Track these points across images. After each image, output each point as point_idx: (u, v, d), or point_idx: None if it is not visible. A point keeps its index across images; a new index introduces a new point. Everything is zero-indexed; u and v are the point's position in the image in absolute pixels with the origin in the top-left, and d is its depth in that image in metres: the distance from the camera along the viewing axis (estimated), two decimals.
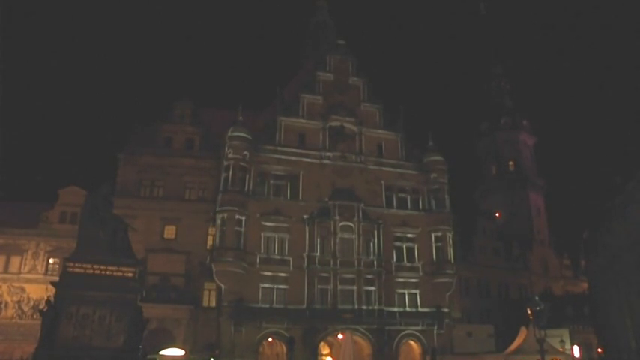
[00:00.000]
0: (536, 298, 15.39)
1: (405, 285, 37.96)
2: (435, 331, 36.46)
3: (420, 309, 37.09)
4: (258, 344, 33.32)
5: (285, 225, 36.58)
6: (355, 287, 35.88)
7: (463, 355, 36.20)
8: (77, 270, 15.73)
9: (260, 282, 34.84)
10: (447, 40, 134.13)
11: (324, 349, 37.17)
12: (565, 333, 35.84)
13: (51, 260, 36.81)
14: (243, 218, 35.07)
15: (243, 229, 34.86)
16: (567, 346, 35.34)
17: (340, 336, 33.63)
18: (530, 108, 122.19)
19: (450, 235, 39.55)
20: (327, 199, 37.66)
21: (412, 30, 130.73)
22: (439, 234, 39.44)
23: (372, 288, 36.21)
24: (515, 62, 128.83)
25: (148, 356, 24.38)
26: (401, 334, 35.96)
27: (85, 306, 15.28)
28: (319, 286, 35.31)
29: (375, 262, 36.71)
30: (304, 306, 34.53)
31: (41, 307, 16.89)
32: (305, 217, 36.77)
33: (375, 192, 39.76)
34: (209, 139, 39.54)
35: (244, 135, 36.92)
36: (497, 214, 57.39)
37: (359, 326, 34.56)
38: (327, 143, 39.94)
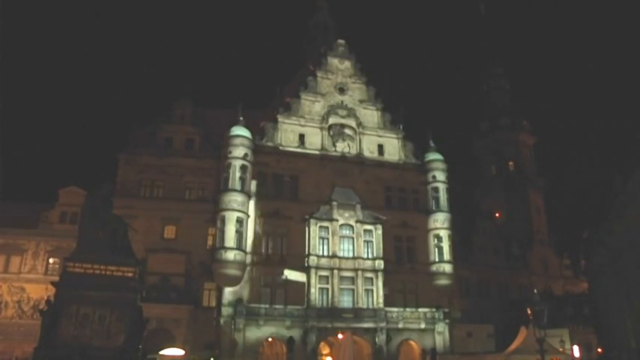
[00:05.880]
0: (537, 297, 15.39)
1: (404, 285, 38.00)
2: (435, 331, 36.47)
3: (419, 309, 37.09)
4: (258, 344, 33.32)
5: (285, 225, 36.61)
6: (355, 287, 35.92)
7: (463, 355, 36.19)
8: (77, 270, 15.76)
9: (260, 282, 34.88)
10: (447, 40, 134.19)
11: (324, 349, 37.16)
12: (565, 333, 35.74)
13: (51, 260, 36.86)
14: (243, 218, 35.10)
15: (243, 229, 34.89)
16: (567, 346, 35.25)
17: (340, 336, 33.62)
18: (530, 108, 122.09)
19: (449, 235, 39.57)
20: (327, 199, 37.68)
21: (412, 30, 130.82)
22: (439, 234, 39.48)
23: (372, 288, 36.23)
24: (515, 62, 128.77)
25: (148, 356, 24.41)
26: (401, 334, 35.98)
27: (85, 306, 15.32)
28: (319, 286, 35.33)
29: (375, 262, 36.71)
30: (304, 306, 34.55)
31: (41, 307, 16.90)
32: (305, 217, 36.80)
33: (375, 192, 39.78)
34: (209, 139, 39.53)
35: (245, 134, 36.95)
36: (497, 214, 57.34)
37: (359, 326, 34.58)
38: (327, 143, 39.99)
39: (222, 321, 32.95)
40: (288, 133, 39.42)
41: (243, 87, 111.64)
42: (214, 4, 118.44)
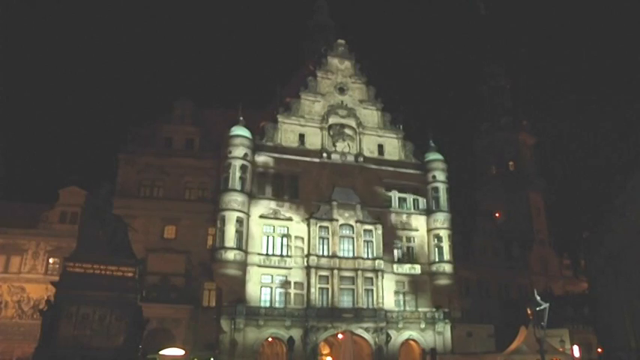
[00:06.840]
0: (537, 297, 15.38)
1: (404, 285, 38.02)
2: (435, 331, 36.49)
3: (419, 309, 37.10)
4: (258, 344, 33.34)
5: (285, 225, 36.63)
6: (355, 287, 35.93)
7: (463, 355, 36.18)
8: (77, 270, 15.74)
9: (260, 282, 34.89)
10: (447, 40, 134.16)
11: (324, 349, 37.19)
12: (565, 333, 35.73)
13: (51, 260, 36.80)
14: (244, 218, 35.10)
15: (243, 229, 34.90)
16: (567, 346, 35.22)
17: (340, 336, 33.64)
18: (530, 108, 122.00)
19: (449, 235, 39.58)
20: (327, 199, 37.69)
21: (412, 30, 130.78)
22: (439, 234, 39.49)
23: (372, 288, 36.24)
24: (515, 62, 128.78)
25: (148, 356, 24.44)
26: (401, 334, 35.99)
27: (85, 306, 15.29)
28: (319, 286, 35.34)
29: (375, 262, 36.72)
30: (304, 306, 34.56)
31: (41, 307, 16.88)
32: (305, 217, 36.81)
33: (375, 192, 39.80)
34: (209, 139, 39.54)
35: (245, 134, 36.98)
36: (497, 214, 57.36)
37: (359, 326, 34.59)
38: (327, 143, 40.00)
39: (222, 321, 32.96)
40: (288, 133, 39.45)
41: (243, 87, 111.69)
42: (214, 4, 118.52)
